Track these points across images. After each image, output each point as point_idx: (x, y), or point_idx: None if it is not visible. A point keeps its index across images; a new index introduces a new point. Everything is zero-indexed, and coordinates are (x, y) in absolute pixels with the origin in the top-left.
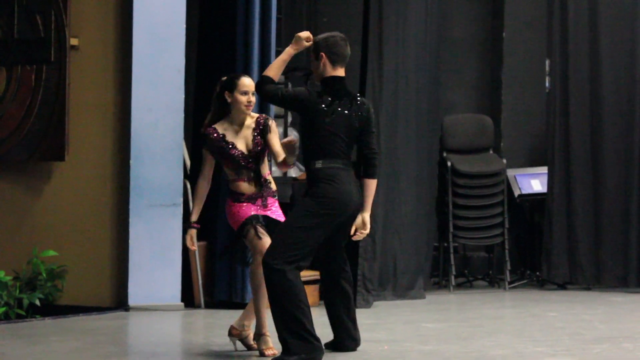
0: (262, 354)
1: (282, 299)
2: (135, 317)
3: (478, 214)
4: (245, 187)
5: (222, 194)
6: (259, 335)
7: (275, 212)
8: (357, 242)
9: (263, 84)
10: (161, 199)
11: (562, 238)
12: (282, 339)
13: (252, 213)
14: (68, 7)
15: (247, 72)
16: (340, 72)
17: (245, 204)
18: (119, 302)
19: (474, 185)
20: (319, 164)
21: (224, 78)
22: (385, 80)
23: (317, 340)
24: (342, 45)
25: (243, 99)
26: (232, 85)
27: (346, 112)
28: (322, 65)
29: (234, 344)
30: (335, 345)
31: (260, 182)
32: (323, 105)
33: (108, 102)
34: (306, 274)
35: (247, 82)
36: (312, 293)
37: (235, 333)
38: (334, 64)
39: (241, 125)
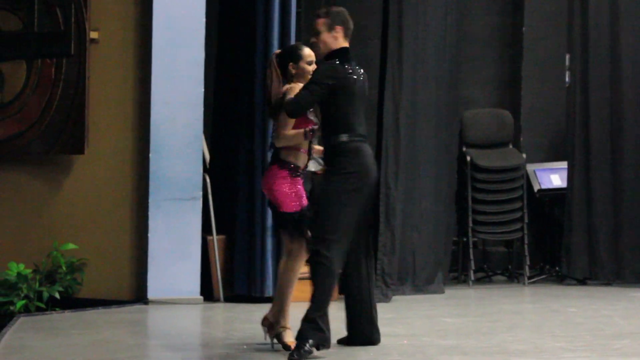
0: (287, 347)
1: (323, 287)
2: (154, 311)
3: (497, 209)
4: (304, 159)
5: (241, 188)
6: (284, 328)
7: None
8: (377, 237)
9: (292, 104)
10: (180, 193)
11: (582, 233)
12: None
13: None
14: (88, 0)
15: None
16: (347, 43)
17: (300, 181)
18: (138, 295)
19: (493, 180)
20: (344, 137)
21: (278, 51)
22: (405, 74)
23: (328, 331)
24: (351, 20)
25: (310, 68)
26: (297, 57)
27: (362, 79)
28: (335, 38)
29: (265, 334)
30: (355, 339)
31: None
32: (351, 74)
33: (127, 95)
34: None
35: (310, 52)
36: None
37: (267, 323)
38: (346, 37)
39: None
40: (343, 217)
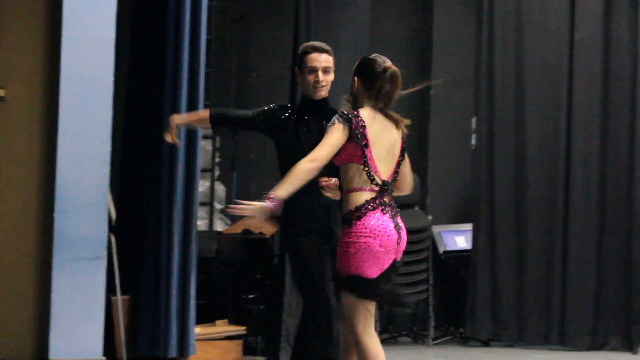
0: None
1: None
2: None
3: (403, 270)
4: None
5: (147, 248)
6: None
7: None
8: (282, 298)
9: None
10: (85, 252)
11: (486, 294)
12: None
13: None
14: None
15: None
16: None
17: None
18: (40, 356)
19: None
20: None
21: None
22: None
23: None
24: None
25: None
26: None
27: None
28: None
29: None
30: None
31: None
32: None
33: (34, 154)
34: (231, 329)
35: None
36: (235, 349)
37: None
38: None
39: None
40: None
